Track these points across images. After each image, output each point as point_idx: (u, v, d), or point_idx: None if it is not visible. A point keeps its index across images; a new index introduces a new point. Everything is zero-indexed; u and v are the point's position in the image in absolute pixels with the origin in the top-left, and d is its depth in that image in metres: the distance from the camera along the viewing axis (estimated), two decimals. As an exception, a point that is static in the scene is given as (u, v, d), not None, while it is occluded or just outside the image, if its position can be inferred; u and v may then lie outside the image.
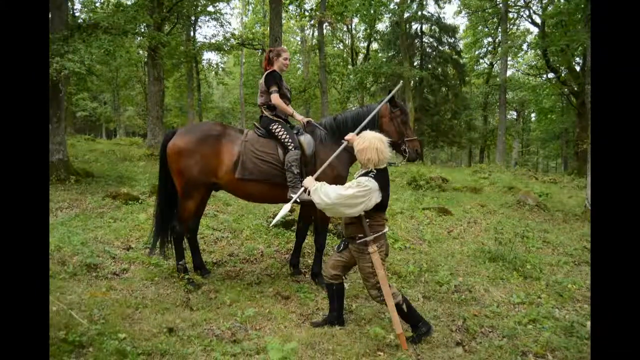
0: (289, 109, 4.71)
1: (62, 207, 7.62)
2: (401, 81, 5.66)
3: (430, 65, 28.16)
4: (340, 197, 3.40)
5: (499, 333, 3.87)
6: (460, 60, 29.56)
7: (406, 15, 26.33)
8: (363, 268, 3.62)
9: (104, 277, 4.70)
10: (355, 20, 28.85)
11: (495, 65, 32.44)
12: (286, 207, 3.88)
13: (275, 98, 4.68)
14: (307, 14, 21.82)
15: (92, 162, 13.74)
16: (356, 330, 3.81)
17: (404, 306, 3.62)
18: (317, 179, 4.38)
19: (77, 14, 18.40)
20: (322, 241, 4.90)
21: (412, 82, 26.35)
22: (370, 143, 3.53)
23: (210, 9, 21.69)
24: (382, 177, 3.54)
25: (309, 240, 5.75)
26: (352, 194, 3.39)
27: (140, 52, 24.65)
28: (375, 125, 4.74)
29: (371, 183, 3.44)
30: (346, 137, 4.07)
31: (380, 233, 3.60)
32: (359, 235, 3.58)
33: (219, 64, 27.67)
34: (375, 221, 3.59)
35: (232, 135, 4.66)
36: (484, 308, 4.41)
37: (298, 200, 4.15)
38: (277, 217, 3.97)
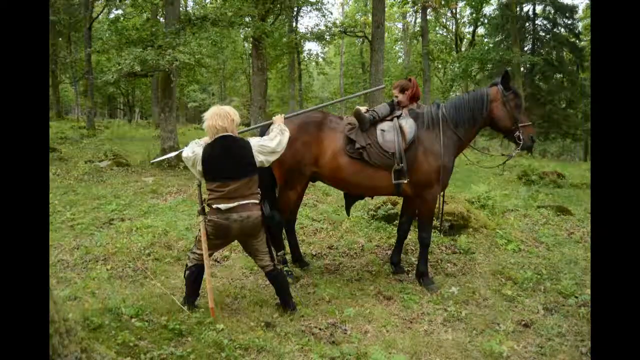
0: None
1: (171, 192, 7.99)
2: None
3: (543, 50, 25.93)
4: (186, 148, 3.51)
5: (643, 360, 3.25)
6: (579, 44, 26.83)
7: (518, -5, 24.48)
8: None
9: (205, 263, 4.74)
10: (461, 4, 27.40)
11: (621, 48, 28.99)
12: (173, 153, 4.49)
13: None
14: (410, 0, 21.12)
15: (199, 149, 14.43)
16: (466, 342, 3.42)
17: (188, 273, 3.62)
18: (420, 168, 4.22)
19: (188, 10, 19.39)
20: (427, 237, 4.50)
21: (522, 68, 24.47)
22: (207, 116, 3.53)
23: (313, -1, 21.75)
24: (216, 147, 3.43)
25: (412, 236, 5.38)
26: (188, 148, 3.49)
27: (245, 44, 25.54)
28: (484, 110, 4.31)
29: (197, 148, 3.45)
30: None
31: (210, 206, 3.47)
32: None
33: (320, 54, 27.85)
34: (211, 192, 3.47)
35: (333, 122, 4.45)
36: (620, 327, 3.76)
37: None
38: (162, 157, 5.01)
